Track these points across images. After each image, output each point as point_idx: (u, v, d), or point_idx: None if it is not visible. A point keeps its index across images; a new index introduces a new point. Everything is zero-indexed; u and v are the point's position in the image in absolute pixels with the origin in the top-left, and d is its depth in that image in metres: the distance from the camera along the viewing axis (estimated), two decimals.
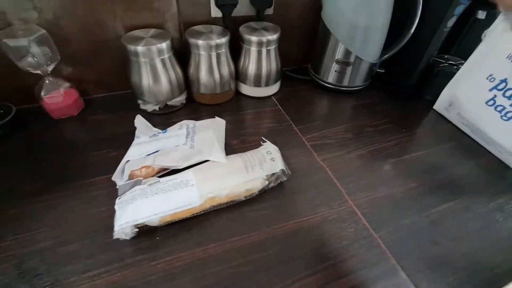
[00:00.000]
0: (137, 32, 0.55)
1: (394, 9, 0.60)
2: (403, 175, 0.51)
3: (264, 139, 0.52)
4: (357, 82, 0.70)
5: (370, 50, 0.65)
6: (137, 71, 0.55)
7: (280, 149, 0.50)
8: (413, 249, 0.40)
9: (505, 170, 0.54)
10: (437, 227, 0.43)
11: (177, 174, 0.42)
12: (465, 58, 0.62)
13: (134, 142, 0.48)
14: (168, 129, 0.52)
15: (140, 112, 0.59)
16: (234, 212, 0.42)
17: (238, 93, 0.69)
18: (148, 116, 0.59)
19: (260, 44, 0.60)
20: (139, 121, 0.53)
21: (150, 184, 0.39)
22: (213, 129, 0.51)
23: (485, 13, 0.68)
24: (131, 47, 0.51)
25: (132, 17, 0.57)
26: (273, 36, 0.59)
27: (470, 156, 0.56)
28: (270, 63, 0.63)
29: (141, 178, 0.41)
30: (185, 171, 0.42)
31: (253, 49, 0.61)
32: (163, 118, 0.60)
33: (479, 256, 0.40)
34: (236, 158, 0.45)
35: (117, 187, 0.42)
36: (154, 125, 0.55)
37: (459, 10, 0.59)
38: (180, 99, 0.61)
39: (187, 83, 0.62)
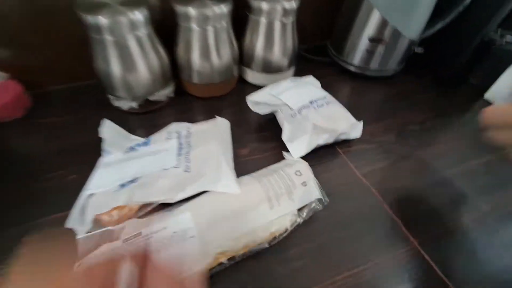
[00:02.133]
0: None
1: None
2: (477, 194, 0.38)
3: (285, 154, 0.39)
4: (390, 65, 0.55)
5: (414, 22, 0.50)
6: (103, 55, 0.38)
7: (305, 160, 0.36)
8: None
9: None
10: None
11: (167, 216, 0.28)
12: None
13: (101, 162, 0.33)
14: (152, 137, 0.37)
15: (110, 112, 0.43)
16: (252, 266, 0.29)
17: (242, 81, 0.53)
18: (123, 116, 0.44)
19: (273, 14, 0.43)
20: (108, 129, 0.37)
21: (126, 241, 0.25)
22: (215, 138, 0.36)
23: None
24: (91, 19, 0.35)
25: None
26: (292, 4, 0.43)
27: None
28: (285, 41, 0.47)
29: (112, 228, 0.27)
30: (178, 210, 0.28)
31: (264, 21, 0.45)
32: (144, 119, 0.44)
33: None
34: (253, 185, 0.31)
35: (77, 238, 0.27)
36: (132, 130, 0.40)
37: None
38: (165, 92, 0.45)
39: (175, 70, 0.46)
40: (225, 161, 0.32)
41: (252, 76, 0.51)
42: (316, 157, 0.40)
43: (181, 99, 0.48)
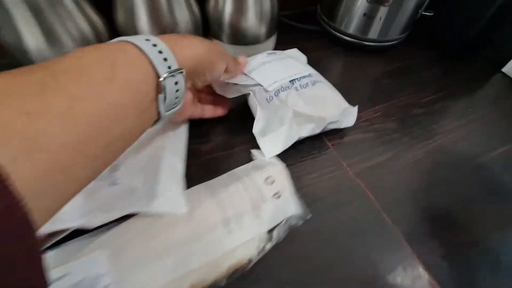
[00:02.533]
0: None
1: None
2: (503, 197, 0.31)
3: (253, 153, 0.29)
4: (392, 33, 0.46)
5: None
6: (8, 21, 0.28)
7: (282, 158, 0.28)
8: None
9: None
10: None
11: (72, 255, 0.19)
12: None
13: None
14: None
15: None
16: None
17: None
18: None
19: None
20: None
21: None
22: (161, 134, 0.27)
23: None
24: None
25: None
26: None
27: None
28: (261, 4, 0.37)
29: None
30: (89, 246, 0.20)
31: None
32: None
33: None
34: (206, 201, 0.23)
35: None
36: None
37: None
38: None
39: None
40: (168, 167, 0.24)
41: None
42: (297, 151, 0.31)
43: None
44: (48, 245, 0.21)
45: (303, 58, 0.40)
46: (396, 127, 0.36)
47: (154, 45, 0.18)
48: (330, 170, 0.31)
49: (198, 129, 0.32)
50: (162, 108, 0.19)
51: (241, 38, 0.39)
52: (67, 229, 0.21)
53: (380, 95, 0.41)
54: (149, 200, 0.21)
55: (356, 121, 0.36)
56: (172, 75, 0.18)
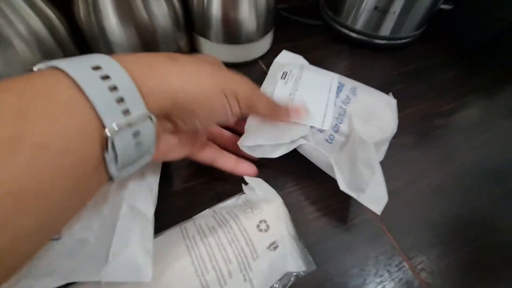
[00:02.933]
0: None
1: None
2: None
3: (244, 189, 0.23)
4: (406, 30, 0.40)
5: None
6: None
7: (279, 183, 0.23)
8: None
9: None
10: None
11: None
12: None
13: None
14: None
15: None
16: None
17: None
18: None
19: None
20: None
21: None
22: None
23: None
24: None
25: None
26: None
27: None
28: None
29: None
30: None
31: None
32: None
33: None
34: (180, 260, 0.17)
35: None
36: None
37: None
38: None
39: (78, 41, 0.30)
40: (128, 213, 0.18)
41: (210, 48, 0.35)
42: (298, 173, 0.26)
43: None
44: None
45: (299, 60, 0.33)
46: (414, 143, 0.31)
47: (105, 77, 0.12)
48: (338, 200, 0.26)
49: None
50: (113, 170, 0.13)
51: (232, 36, 0.33)
52: None
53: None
54: (99, 265, 0.16)
55: None
56: (129, 125, 0.12)
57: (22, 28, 0.24)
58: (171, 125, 0.17)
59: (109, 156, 0.12)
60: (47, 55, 0.26)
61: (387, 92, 0.29)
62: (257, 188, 0.22)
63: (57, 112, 0.11)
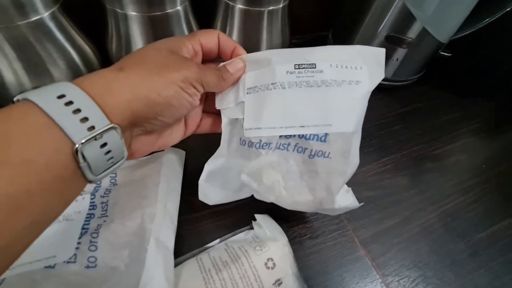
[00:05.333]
0: None
1: None
2: None
3: (253, 224, 0.26)
4: (407, 73, 0.43)
5: (450, 21, 0.37)
6: None
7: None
8: None
9: None
10: None
11: None
12: None
13: None
14: None
15: None
16: None
17: None
18: None
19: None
20: None
21: None
22: (148, 198, 0.24)
23: None
24: None
25: None
26: None
27: None
28: (271, 38, 0.34)
29: None
30: None
31: (241, 9, 0.31)
32: None
33: None
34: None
35: None
36: None
37: None
38: None
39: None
40: (155, 246, 0.21)
41: None
42: (291, 217, 0.29)
43: None
44: None
45: (374, 80, 0.24)
46: (407, 185, 0.34)
47: (69, 103, 0.14)
48: (335, 235, 0.28)
49: (196, 173, 0.29)
50: (90, 176, 0.15)
51: None
52: None
53: (391, 143, 0.38)
54: None
55: (364, 175, 0.34)
56: (95, 138, 0.14)
57: (61, 63, 0.27)
58: (143, 128, 0.19)
59: (83, 165, 0.14)
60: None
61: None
62: (264, 226, 0.25)
63: (35, 135, 0.13)
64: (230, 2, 0.30)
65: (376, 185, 0.33)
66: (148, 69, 0.18)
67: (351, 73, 0.22)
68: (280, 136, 0.22)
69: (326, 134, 0.22)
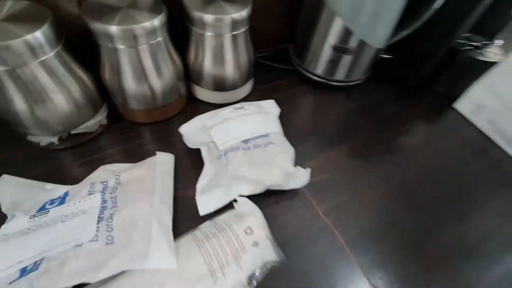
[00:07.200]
0: None
1: None
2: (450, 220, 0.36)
3: (234, 204, 0.32)
4: (355, 74, 0.51)
5: (381, 31, 0.45)
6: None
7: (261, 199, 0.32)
8: None
9: None
10: None
11: None
12: (490, 38, 0.47)
13: None
14: (71, 190, 0.30)
15: (24, 149, 0.35)
16: None
17: (194, 98, 0.46)
18: (42, 153, 0.36)
19: (220, 27, 0.37)
20: (7, 187, 0.29)
21: None
22: (148, 190, 0.30)
23: None
24: None
25: None
26: (242, 13, 0.37)
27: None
28: (238, 55, 0.41)
29: None
30: None
31: (210, 36, 0.38)
32: (72, 155, 0.37)
33: None
34: (193, 256, 0.26)
35: None
36: (55, 171, 0.33)
37: None
38: (95, 121, 0.38)
39: (105, 92, 0.39)
40: (158, 225, 0.27)
41: (203, 94, 0.45)
42: (276, 192, 0.35)
43: (119, 126, 0.41)
44: None
45: (275, 111, 0.42)
46: (361, 166, 0.41)
47: None
48: (302, 210, 0.35)
49: (184, 172, 0.36)
50: None
51: (220, 85, 0.43)
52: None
53: (347, 132, 0.46)
54: (144, 258, 0.24)
55: (324, 161, 0.41)
56: None
57: (63, 91, 0.33)
58: None
59: None
60: (78, 106, 0.35)
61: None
62: (244, 205, 0.31)
63: None
64: (200, 31, 0.37)
65: (334, 167, 0.40)
66: None
67: (263, 107, 0.42)
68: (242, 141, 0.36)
69: (267, 133, 0.37)
